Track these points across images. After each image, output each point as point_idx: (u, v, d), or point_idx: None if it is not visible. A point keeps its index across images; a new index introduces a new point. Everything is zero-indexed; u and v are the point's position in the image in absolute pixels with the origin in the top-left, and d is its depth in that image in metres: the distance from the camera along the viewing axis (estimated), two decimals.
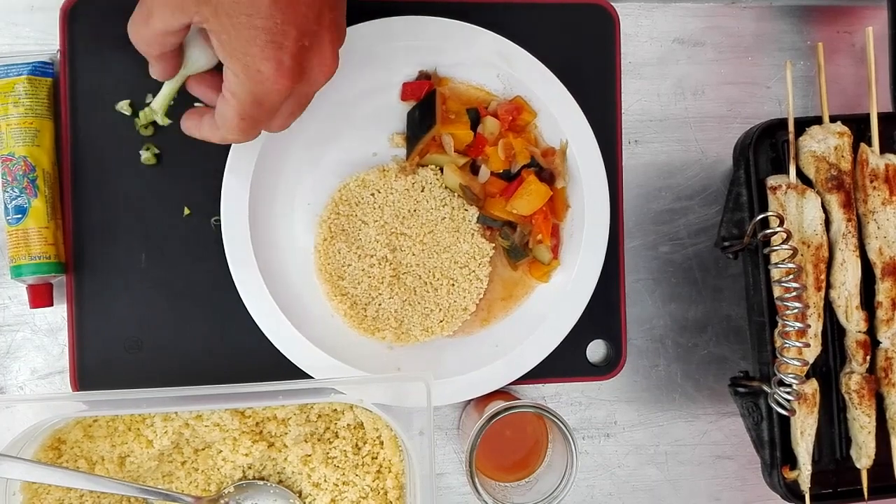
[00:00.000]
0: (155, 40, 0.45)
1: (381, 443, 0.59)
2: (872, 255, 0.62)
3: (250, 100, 0.44)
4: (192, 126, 0.51)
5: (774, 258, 0.60)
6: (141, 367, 0.61)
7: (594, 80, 0.65)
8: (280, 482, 0.60)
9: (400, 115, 0.63)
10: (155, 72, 0.50)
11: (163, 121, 0.55)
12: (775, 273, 0.59)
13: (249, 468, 0.60)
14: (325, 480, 0.59)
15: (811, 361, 0.61)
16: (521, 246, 0.63)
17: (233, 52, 0.42)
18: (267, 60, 0.41)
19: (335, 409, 0.59)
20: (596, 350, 0.67)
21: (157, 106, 0.53)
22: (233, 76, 0.43)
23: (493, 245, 0.63)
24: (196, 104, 0.57)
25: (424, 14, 0.61)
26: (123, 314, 0.61)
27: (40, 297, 0.59)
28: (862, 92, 0.66)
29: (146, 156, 0.60)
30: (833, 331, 0.64)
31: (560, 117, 0.63)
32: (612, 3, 0.65)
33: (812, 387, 0.62)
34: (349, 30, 0.60)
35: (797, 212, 0.61)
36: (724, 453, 0.70)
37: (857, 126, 0.64)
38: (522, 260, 0.63)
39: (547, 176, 0.63)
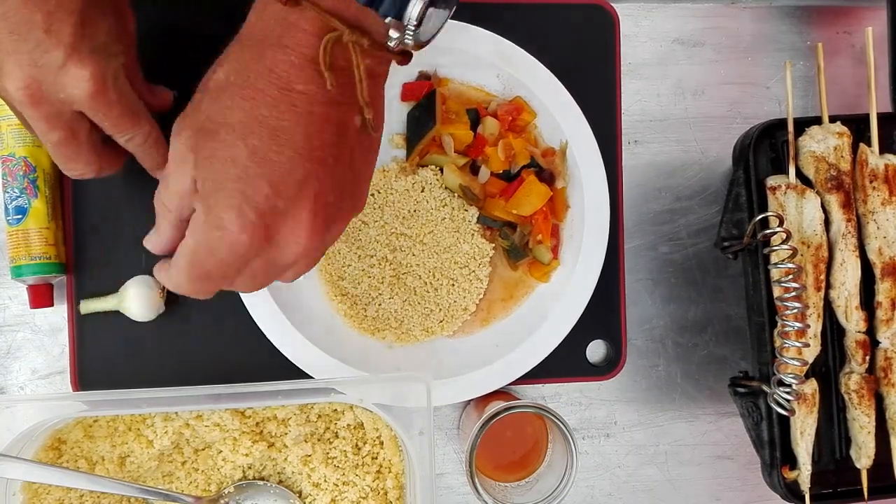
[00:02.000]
0: (176, 202, 0.43)
1: (381, 443, 0.59)
2: (872, 256, 0.62)
3: (205, 247, 0.41)
4: (157, 268, 0.48)
5: (774, 258, 0.60)
6: (141, 367, 0.61)
7: (594, 80, 0.65)
8: (280, 482, 0.60)
9: (400, 115, 0.63)
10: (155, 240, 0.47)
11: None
12: (775, 273, 0.59)
13: (249, 468, 0.60)
14: (325, 480, 0.59)
15: (811, 361, 0.61)
16: (521, 246, 0.63)
17: (201, 195, 0.40)
18: (231, 209, 0.39)
19: (335, 410, 0.59)
20: (596, 350, 0.67)
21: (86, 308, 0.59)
22: (195, 216, 0.41)
23: (493, 245, 0.64)
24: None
25: None
26: (123, 314, 0.61)
27: (40, 297, 0.59)
28: (861, 92, 0.66)
29: None
30: (833, 331, 0.64)
31: (560, 117, 0.63)
32: (612, 3, 0.65)
33: (812, 387, 0.62)
34: None
35: (797, 212, 0.61)
36: (724, 453, 0.70)
37: (857, 126, 0.64)
38: (522, 260, 0.63)
39: (547, 176, 0.63)
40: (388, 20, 0.38)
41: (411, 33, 0.38)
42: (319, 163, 0.40)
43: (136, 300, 0.58)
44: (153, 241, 0.47)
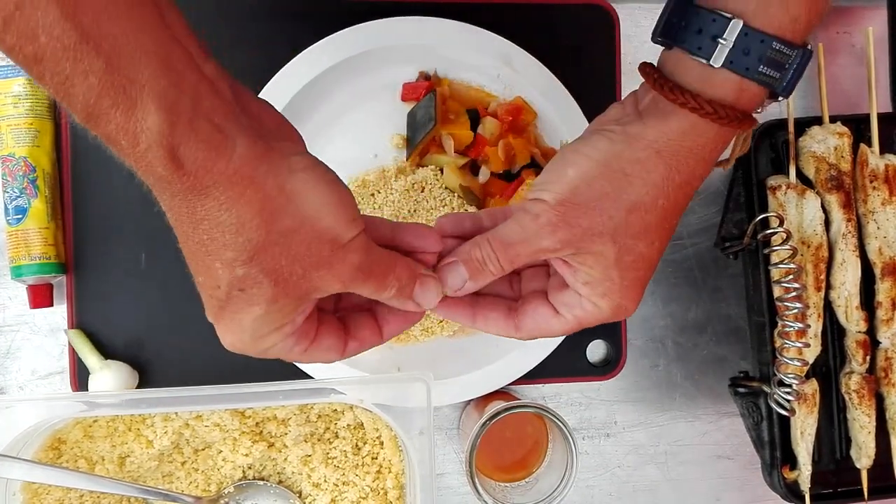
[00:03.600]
0: (508, 270, 0.44)
1: (381, 443, 0.59)
2: (872, 255, 0.62)
3: (594, 323, 0.45)
4: (462, 318, 0.47)
5: (774, 258, 0.60)
6: (141, 367, 0.61)
7: (594, 80, 0.65)
8: (280, 482, 0.60)
9: (400, 115, 0.63)
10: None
11: None
12: (775, 273, 0.59)
13: (249, 468, 0.60)
14: (325, 481, 0.59)
15: (811, 361, 0.61)
16: None
17: (607, 293, 0.43)
18: (635, 301, 0.44)
19: (335, 410, 0.59)
20: (596, 350, 0.67)
21: None
22: (592, 307, 0.44)
23: None
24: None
25: (424, 14, 0.61)
26: (123, 314, 0.61)
27: (40, 297, 0.59)
28: (862, 92, 0.66)
29: None
30: (833, 331, 0.64)
31: (560, 117, 0.63)
32: (612, 3, 0.65)
33: (812, 387, 0.62)
34: (349, 30, 0.60)
35: (797, 212, 0.61)
36: (724, 453, 0.70)
37: (857, 126, 0.64)
38: None
39: None
40: (780, 98, 0.42)
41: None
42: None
43: (104, 386, 0.59)
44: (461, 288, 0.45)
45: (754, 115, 0.42)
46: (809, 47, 0.40)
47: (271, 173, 0.36)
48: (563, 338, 0.63)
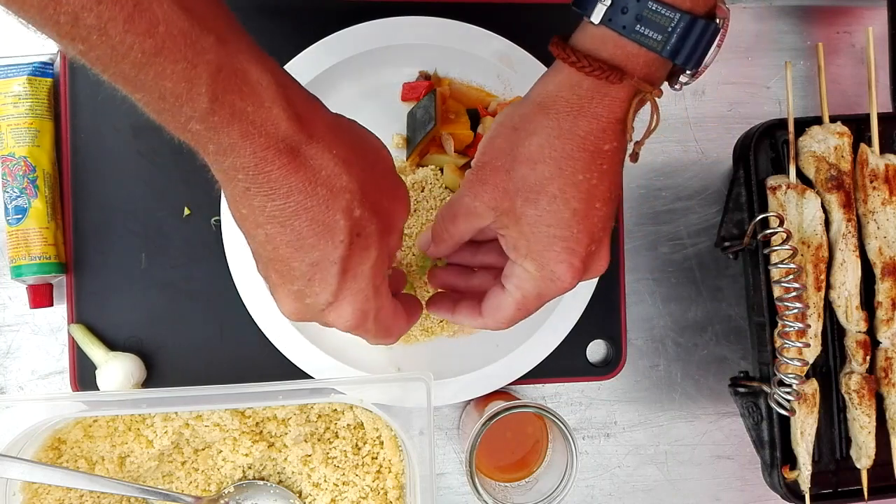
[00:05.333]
0: (458, 237, 0.48)
1: (381, 443, 0.59)
2: (872, 255, 0.62)
3: (534, 294, 0.46)
4: (444, 310, 0.52)
5: (774, 258, 0.60)
6: None
7: None
8: (280, 482, 0.60)
9: (400, 115, 0.63)
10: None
11: None
12: (775, 273, 0.59)
13: (249, 468, 0.60)
14: (325, 480, 0.59)
15: (811, 361, 0.61)
16: None
17: (529, 254, 0.45)
18: (561, 263, 0.45)
19: (335, 410, 0.59)
20: (596, 350, 0.67)
21: None
22: (524, 273, 0.46)
23: None
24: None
25: (424, 14, 0.61)
26: (123, 314, 0.61)
27: (40, 297, 0.59)
28: (862, 92, 0.66)
29: None
30: (833, 331, 0.64)
31: None
32: None
33: (812, 387, 0.62)
34: (349, 30, 0.60)
35: (797, 212, 0.61)
36: (724, 453, 0.70)
37: (857, 126, 0.64)
38: None
39: None
40: (688, 72, 0.43)
41: (692, 74, 0.44)
42: (613, 202, 0.46)
43: (113, 377, 0.58)
44: (434, 251, 0.51)
45: (677, 87, 0.45)
46: (718, 21, 0.42)
47: (343, 119, 0.42)
48: (563, 338, 0.63)
